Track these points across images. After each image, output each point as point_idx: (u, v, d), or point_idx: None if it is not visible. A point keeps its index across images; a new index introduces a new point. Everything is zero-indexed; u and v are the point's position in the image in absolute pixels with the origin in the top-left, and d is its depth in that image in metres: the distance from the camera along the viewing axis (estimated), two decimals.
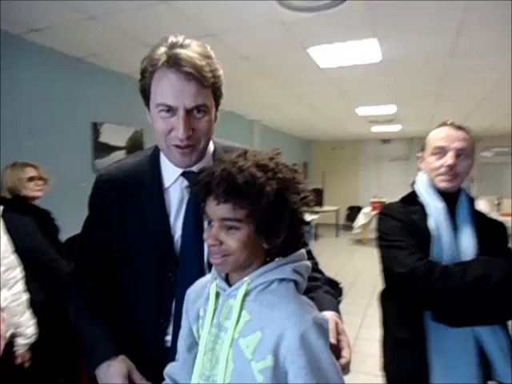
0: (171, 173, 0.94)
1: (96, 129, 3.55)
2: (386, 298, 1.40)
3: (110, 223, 0.95)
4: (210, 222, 0.73)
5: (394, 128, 8.26)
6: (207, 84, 0.83)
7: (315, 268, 1.01)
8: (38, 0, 2.36)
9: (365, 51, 3.35)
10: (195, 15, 2.64)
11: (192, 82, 0.81)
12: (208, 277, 0.83)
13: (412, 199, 1.33)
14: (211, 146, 0.98)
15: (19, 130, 2.91)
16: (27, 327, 1.61)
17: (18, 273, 1.58)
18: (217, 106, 0.90)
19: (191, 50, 0.83)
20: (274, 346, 0.67)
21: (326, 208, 8.97)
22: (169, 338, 0.93)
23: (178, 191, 0.94)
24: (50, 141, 3.13)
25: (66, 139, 3.29)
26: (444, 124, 1.31)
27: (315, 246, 7.32)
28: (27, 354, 1.63)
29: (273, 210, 0.69)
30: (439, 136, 1.28)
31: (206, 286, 0.81)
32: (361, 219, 8.06)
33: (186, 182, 0.93)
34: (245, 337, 0.70)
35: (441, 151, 1.26)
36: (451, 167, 1.22)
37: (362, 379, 2.78)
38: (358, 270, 5.91)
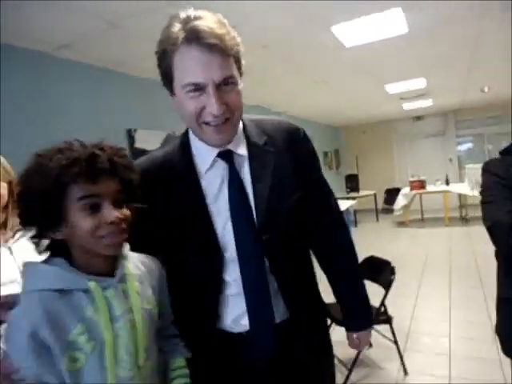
0: (206, 157, 0.92)
1: (130, 135, 3.66)
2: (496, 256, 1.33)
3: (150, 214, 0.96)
4: (96, 205, 0.76)
5: (426, 103, 7.93)
6: (231, 53, 0.81)
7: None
8: (62, 13, 2.46)
9: (389, 23, 3.23)
10: (213, 7, 2.63)
11: (216, 54, 0.78)
12: (32, 303, 0.73)
13: None
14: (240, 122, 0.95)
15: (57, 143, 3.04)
16: None
17: None
18: (240, 73, 0.88)
19: (207, 20, 0.80)
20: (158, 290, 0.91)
21: (362, 193, 8.78)
22: (223, 322, 0.94)
23: (217, 174, 0.93)
24: None
25: None
26: None
27: (356, 232, 7.21)
28: None
29: None
30: None
31: (55, 310, 0.73)
32: (401, 201, 7.80)
33: (223, 163, 0.92)
34: (144, 299, 0.85)
35: None
36: None
37: (419, 358, 2.71)
38: (404, 251, 5.74)
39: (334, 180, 9.59)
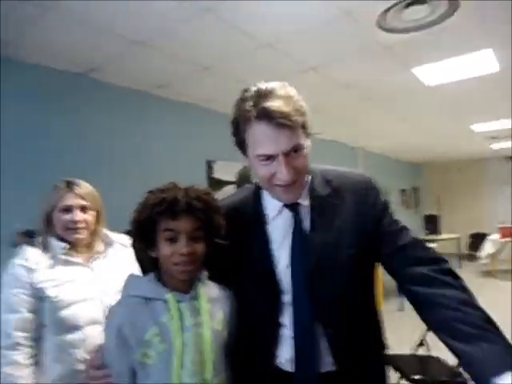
0: (274, 205, 1.01)
1: (210, 166, 3.91)
2: None
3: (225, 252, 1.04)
4: (175, 238, 0.92)
5: None
6: (297, 125, 0.88)
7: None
8: (161, 59, 2.78)
9: (478, 63, 3.10)
10: (295, 51, 2.79)
11: (284, 129, 0.86)
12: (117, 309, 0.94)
13: None
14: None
15: (147, 171, 3.36)
16: None
17: None
18: (307, 135, 0.94)
19: (275, 97, 0.88)
20: (229, 315, 1.01)
21: (444, 236, 8.16)
22: (279, 360, 0.98)
23: (283, 221, 1.00)
24: (174, 179, 3.54)
25: (185, 176, 3.67)
26: None
27: None
28: None
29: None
30: None
31: (138, 313, 0.91)
32: (488, 248, 7.10)
33: (289, 212, 0.99)
34: (214, 319, 0.97)
35: None
36: None
37: None
38: (490, 306, 5.12)
39: (410, 220, 9.06)
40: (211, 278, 1.03)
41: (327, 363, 0.96)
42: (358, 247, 0.97)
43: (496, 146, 7.46)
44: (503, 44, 2.79)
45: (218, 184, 3.94)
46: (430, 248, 1.00)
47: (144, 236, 0.95)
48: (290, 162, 0.89)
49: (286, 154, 0.88)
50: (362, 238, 0.97)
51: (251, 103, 0.89)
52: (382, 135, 6.18)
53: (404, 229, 1.00)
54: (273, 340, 0.98)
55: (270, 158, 0.89)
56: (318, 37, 2.56)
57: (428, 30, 2.48)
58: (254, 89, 0.91)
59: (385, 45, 2.72)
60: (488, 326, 0.82)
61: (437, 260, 0.95)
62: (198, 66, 2.94)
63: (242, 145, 0.95)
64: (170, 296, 0.92)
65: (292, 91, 0.92)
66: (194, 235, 0.94)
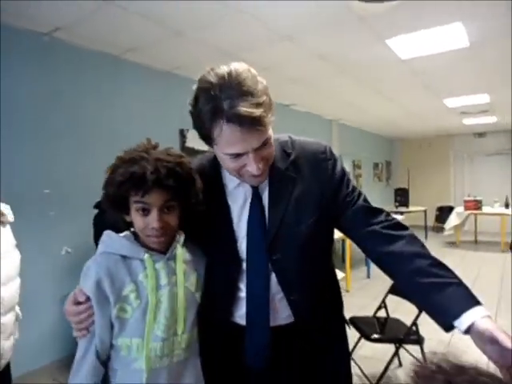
0: (233, 178, 1.00)
1: (183, 134, 3.86)
2: None
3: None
4: (147, 210, 0.92)
5: (489, 120, 7.49)
6: (267, 124, 0.86)
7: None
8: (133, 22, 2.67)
9: (449, 37, 3.15)
10: (270, 19, 2.74)
11: (254, 130, 0.83)
12: (96, 266, 0.93)
13: None
14: None
15: (118, 138, 3.28)
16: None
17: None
18: (272, 114, 0.91)
19: (243, 93, 0.81)
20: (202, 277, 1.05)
21: (412, 208, 8.46)
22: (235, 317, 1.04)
23: (241, 193, 1.02)
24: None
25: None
26: None
27: None
28: None
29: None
30: None
31: (115, 269, 0.93)
32: (453, 220, 7.43)
33: (247, 185, 1.00)
34: (188, 280, 1.00)
35: None
36: None
37: None
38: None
39: (382, 193, 9.33)
40: (186, 238, 1.03)
41: (284, 317, 1.02)
42: (316, 217, 0.99)
43: (467, 121, 7.66)
44: (473, 18, 2.83)
45: (191, 152, 3.91)
46: (379, 208, 1.04)
47: (116, 206, 0.95)
48: (259, 155, 0.88)
49: (256, 149, 0.87)
50: (320, 207, 1.00)
51: (217, 101, 0.82)
52: (356, 108, 6.22)
53: (359, 195, 1.04)
54: (230, 300, 1.03)
55: (239, 155, 0.88)
56: (292, 5, 2.51)
57: (401, 1, 2.48)
58: (215, 80, 0.83)
59: (359, 15, 2.71)
60: (441, 272, 0.91)
61: (385, 216, 1.02)
62: (170, 29, 2.84)
63: (206, 137, 0.91)
64: (146, 256, 0.95)
65: (255, 77, 0.85)
66: (166, 206, 0.93)
